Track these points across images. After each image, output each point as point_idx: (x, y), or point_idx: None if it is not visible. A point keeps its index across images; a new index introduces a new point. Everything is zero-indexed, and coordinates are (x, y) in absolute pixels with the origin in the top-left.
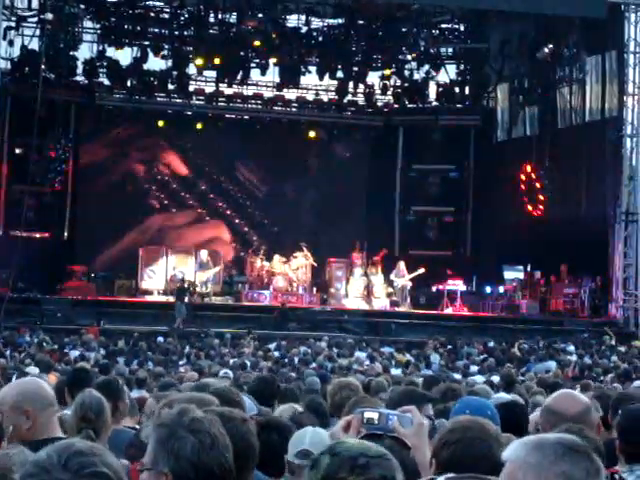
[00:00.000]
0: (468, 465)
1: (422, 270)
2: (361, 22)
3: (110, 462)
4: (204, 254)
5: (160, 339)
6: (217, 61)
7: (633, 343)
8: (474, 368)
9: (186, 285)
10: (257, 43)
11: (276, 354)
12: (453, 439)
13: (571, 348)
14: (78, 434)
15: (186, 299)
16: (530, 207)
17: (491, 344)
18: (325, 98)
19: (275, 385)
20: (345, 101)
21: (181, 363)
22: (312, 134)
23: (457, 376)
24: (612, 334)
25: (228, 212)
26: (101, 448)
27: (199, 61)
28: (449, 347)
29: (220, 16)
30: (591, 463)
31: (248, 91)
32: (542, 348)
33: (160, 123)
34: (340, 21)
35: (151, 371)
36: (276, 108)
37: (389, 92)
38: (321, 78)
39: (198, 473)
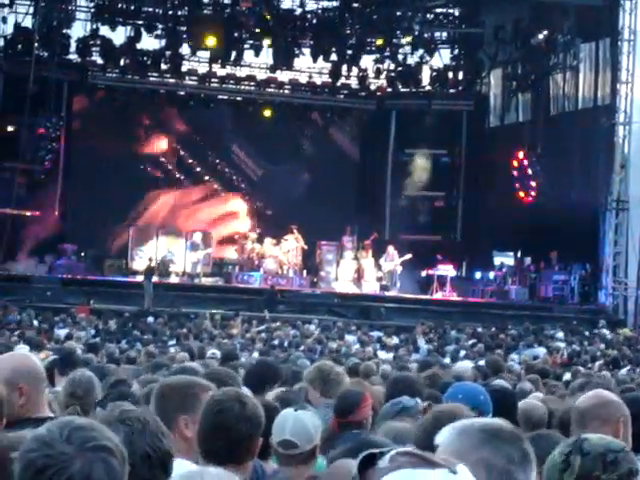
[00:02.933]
0: None
1: (409, 255)
2: (356, 5)
3: (110, 436)
4: (196, 235)
5: (150, 319)
6: (211, 42)
7: (621, 331)
8: (463, 353)
9: (154, 265)
10: (251, 24)
11: (264, 336)
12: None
13: (560, 335)
14: (65, 410)
15: (154, 279)
16: (521, 193)
17: (480, 329)
18: (318, 81)
19: (276, 369)
20: (338, 84)
21: (171, 344)
22: (305, 117)
23: (446, 361)
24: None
25: (223, 194)
26: (99, 424)
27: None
28: (438, 332)
29: None
30: (516, 449)
31: (241, 72)
32: (531, 334)
33: (153, 102)
34: (335, 4)
35: (143, 350)
36: (269, 90)
37: (382, 76)
38: (315, 60)
39: (134, 458)
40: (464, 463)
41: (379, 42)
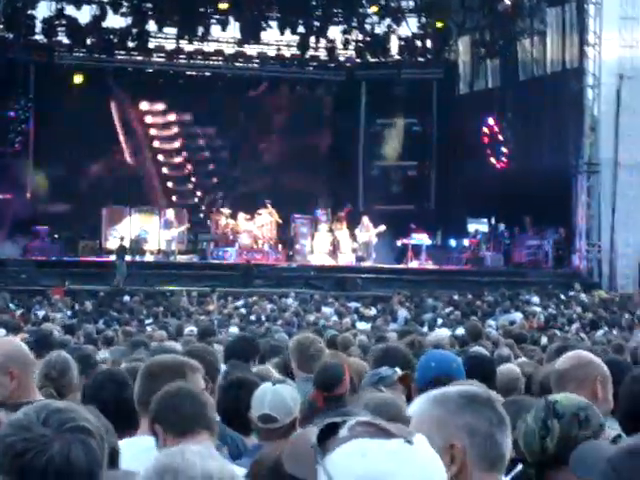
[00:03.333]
0: None
1: (383, 227)
2: None
3: (88, 417)
4: (170, 213)
5: (126, 298)
6: (177, 18)
7: (596, 293)
8: (440, 321)
9: (126, 243)
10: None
11: (243, 311)
12: None
13: (535, 299)
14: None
15: (127, 257)
16: (493, 159)
17: (456, 297)
18: (287, 53)
19: (255, 343)
20: (307, 56)
21: (148, 322)
22: (275, 90)
23: (424, 329)
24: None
25: (189, 167)
26: (77, 406)
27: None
28: (414, 301)
29: None
30: (494, 413)
31: (209, 48)
32: (507, 300)
33: (121, 80)
34: None
35: (120, 330)
36: (237, 64)
37: (351, 46)
38: (282, 33)
39: None
40: (447, 429)
41: (346, 13)
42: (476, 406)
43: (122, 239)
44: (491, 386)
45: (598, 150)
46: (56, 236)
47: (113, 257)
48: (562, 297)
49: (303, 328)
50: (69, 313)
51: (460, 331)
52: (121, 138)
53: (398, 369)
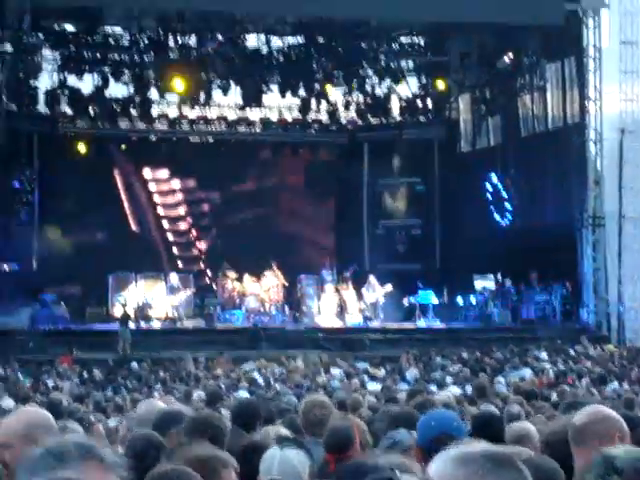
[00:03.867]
0: None
1: (389, 287)
2: (321, 40)
3: None
4: (174, 278)
5: (134, 365)
6: (178, 85)
7: (606, 347)
8: (449, 379)
9: (129, 310)
10: (218, 66)
11: (251, 375)
12: None
13: (544, 355)
14: None
15: (130, 324)
16: (497, 216)
17: (465, 355)
18: (289, 117)
19: (257, 408)
20: (309, 119)
21: (157, 387)
22: (278, 153)
23: (433, 388)
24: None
25: (194, 233)
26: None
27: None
28: (423, 360)
29: (180, 40)
30: (519, 474)
31: (211, 113)
32: (516, 356)
33: (124, 148)
34: (300, 40)
35: (129, 397)
36: (240, 129)
37: (352, 108)
38: (283, 96)
39: None
40: None
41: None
42: (501, 467)
43: (124, 306)
44: (500, 444)
45: (602, 203)
46: (62, 304)
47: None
48: (571, 352)
49: (312, 390)
50: (77, 381)
51: (470, 388)
52: (125, 205)
53: (414, 432)
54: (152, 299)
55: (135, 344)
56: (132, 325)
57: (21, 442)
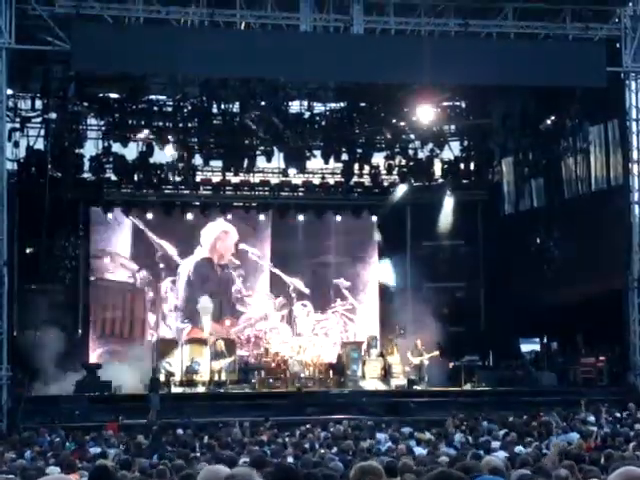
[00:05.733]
0: None
1: (437, 353)
2: (363, 104)
3: None
4: (220, 344)
5: (179, 431)
6: (222, 151)
7: None
8: (496, 444)
9: (160, 377)
10: (261, 131)
11: (296, 440)
12: None
13: (591, 418)
14: None
15: (160, 391)
16: (542, 279)
17: (511, 418)
18: (331, 181)
19: (296, 473)
20: (351, 183)
21: (201, 454)
22: (320, 216)
23: (480, 452)
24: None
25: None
26: None
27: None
28: (469, 424)
29: (223, 106)
30: None
31: (255, 178)
32: (563, 419)
33: (169, 213)
34: (342, 104)
35: (170, 464)
36: (283, 193)
37: (394, 171)
38: (326, 162)
39: None
40: None
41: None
42: None
43: (154, 372)
44: None
45: None
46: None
47: (167, 390)
48: (618, 415)
49: (357, 455)
50: (122, 448)
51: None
52: None
53: None
54: (198, 364)
55: (179, 409)
56: (174, 389)
57: None
